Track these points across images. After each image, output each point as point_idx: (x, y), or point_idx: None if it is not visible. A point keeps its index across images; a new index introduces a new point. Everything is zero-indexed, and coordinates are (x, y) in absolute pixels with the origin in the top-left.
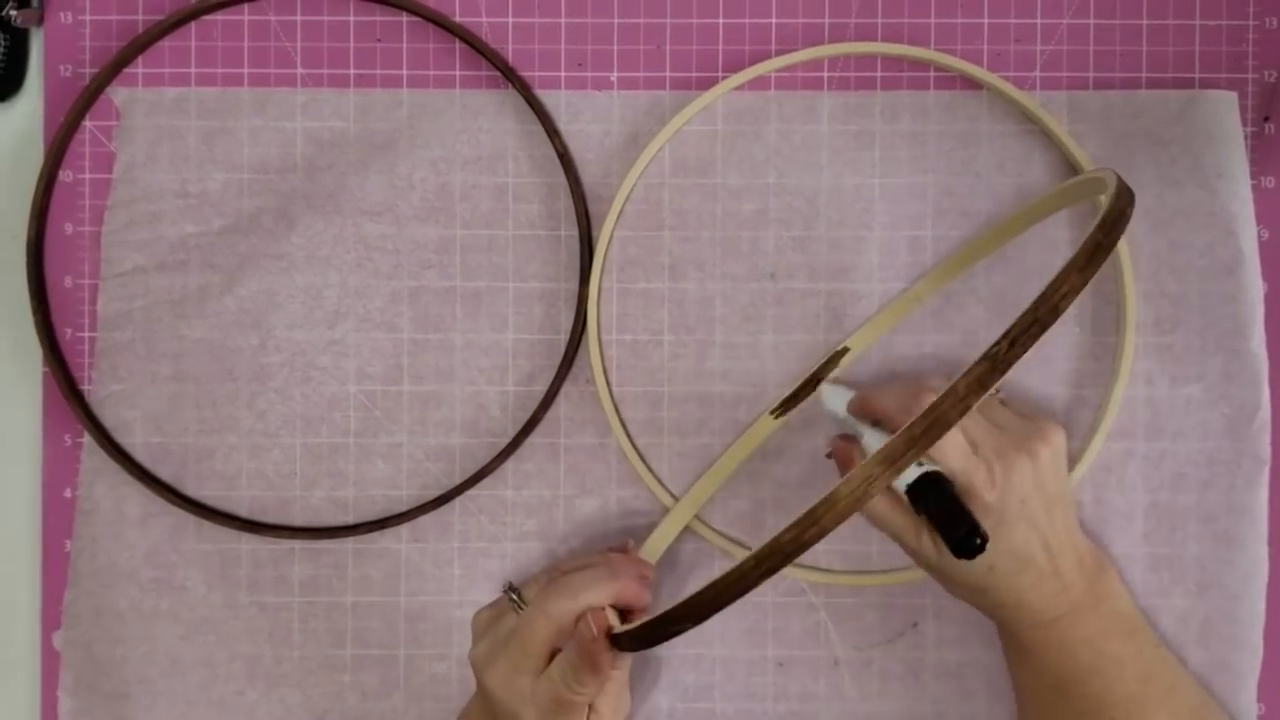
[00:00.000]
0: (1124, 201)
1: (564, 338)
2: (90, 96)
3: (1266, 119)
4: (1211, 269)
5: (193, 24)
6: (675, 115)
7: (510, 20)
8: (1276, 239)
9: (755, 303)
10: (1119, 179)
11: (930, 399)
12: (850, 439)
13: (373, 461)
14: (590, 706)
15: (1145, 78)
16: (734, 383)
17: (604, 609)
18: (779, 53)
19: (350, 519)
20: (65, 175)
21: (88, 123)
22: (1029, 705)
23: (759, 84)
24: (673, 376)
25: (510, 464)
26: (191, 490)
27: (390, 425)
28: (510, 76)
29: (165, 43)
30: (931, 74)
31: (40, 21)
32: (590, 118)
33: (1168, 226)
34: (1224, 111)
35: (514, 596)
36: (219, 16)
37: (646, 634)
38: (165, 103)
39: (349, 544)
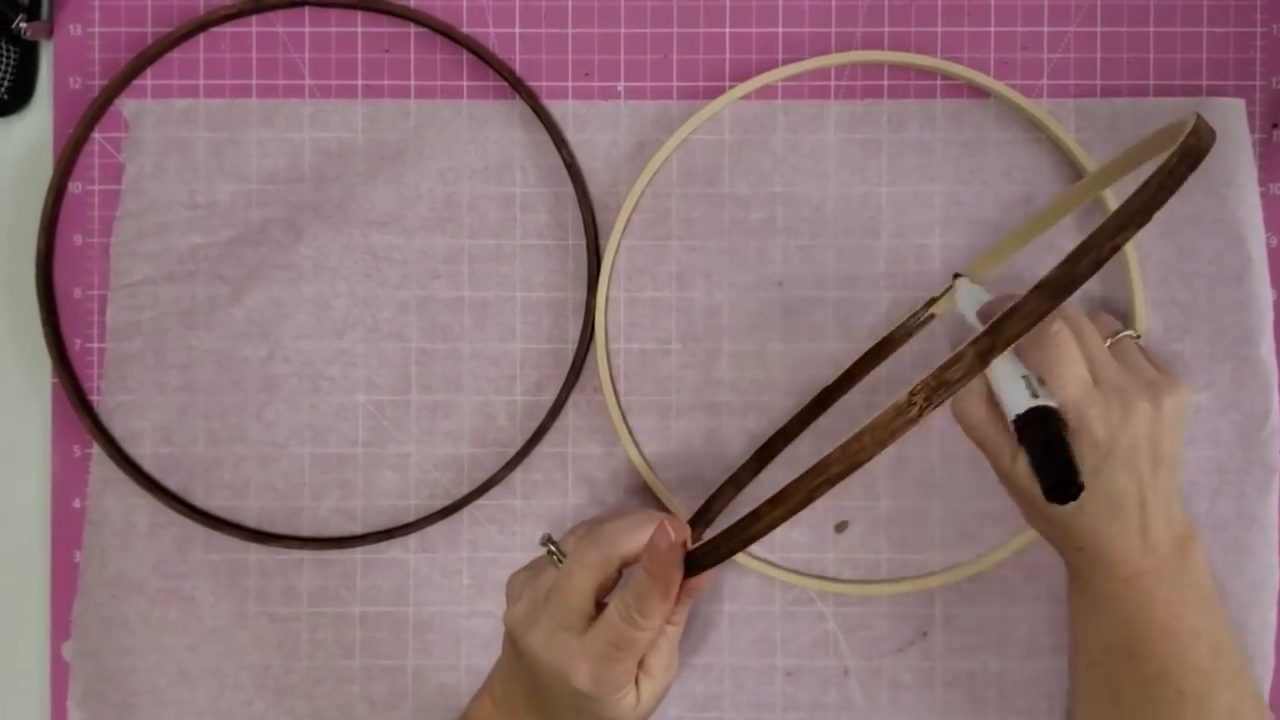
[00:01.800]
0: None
1: (571, 347)
2: (99, 108)
3: (1275, 126)
4: (1220, 276)
5: (201, 36)
6: (682, 124)
7: (517, 30)
8: None
9: (763, 311)
10: (1199, 117)
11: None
12: None
13: (381, 471)
14: (640, 663)
15: (1152, 85)
16: (741, 391)
17: (676, 523)
18: (786, 62)
19: (358, 529)
20: (74, 186)
21: (97, 134)
22: (1092, 671)
23: (766, 93)
24: (680, 385)
25: (518, 473)
26: (200, 501)
27: (398, 435)
28: (517, 87)
29: (174, 54)
30: (938, 82)
31: (50, 34)
32: (597, 127)
33: (1176, 234)
34: (1232, 118)
35: (553, 550)
36: (227, 28)
37: (725, 541)
38: (174, 114)
39: (357, 554)
